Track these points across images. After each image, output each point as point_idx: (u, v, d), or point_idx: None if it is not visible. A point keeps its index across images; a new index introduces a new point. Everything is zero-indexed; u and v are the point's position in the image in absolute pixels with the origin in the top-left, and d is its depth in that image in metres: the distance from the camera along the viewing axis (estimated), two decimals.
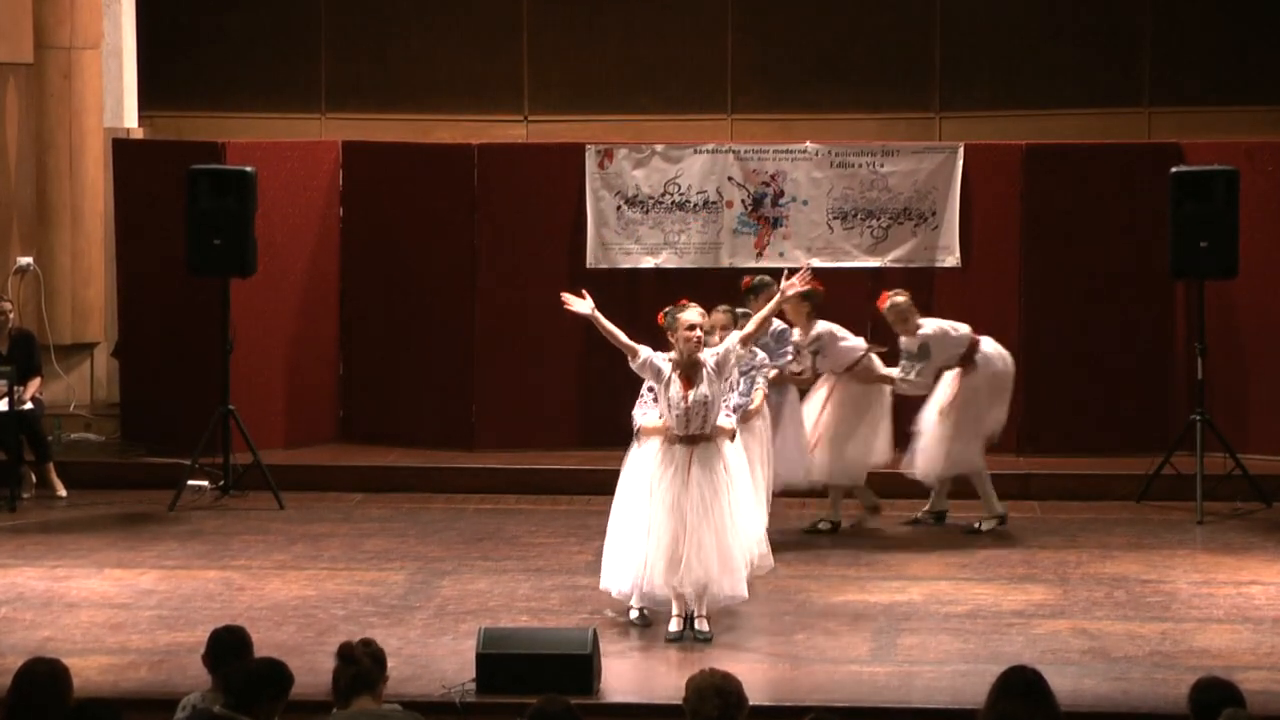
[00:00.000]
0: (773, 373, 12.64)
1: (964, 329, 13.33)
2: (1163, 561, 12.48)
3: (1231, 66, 16.47)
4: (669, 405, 10.94)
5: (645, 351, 11.01)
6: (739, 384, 11.96)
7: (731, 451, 11.02)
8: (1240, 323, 14.85)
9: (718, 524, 10.74)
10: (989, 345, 13.34)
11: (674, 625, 10.79)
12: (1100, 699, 9.67)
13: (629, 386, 15.56)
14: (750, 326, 11.17)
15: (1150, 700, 9.79)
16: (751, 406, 12.16)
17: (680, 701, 6.94)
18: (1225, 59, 16.51)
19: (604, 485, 14.59)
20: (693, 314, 11.07)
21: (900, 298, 13.35)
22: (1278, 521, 13.71)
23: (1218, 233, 13.93)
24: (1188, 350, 14.38)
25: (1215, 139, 15.32)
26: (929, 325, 13.27)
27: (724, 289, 15.44)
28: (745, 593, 10.87)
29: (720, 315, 12.21)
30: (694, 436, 10.88)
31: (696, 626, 10.79)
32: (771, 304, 11.33)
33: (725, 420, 11.07)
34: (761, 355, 12.38)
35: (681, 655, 10.40)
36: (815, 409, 13.32)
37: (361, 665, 7.50)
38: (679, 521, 10.73)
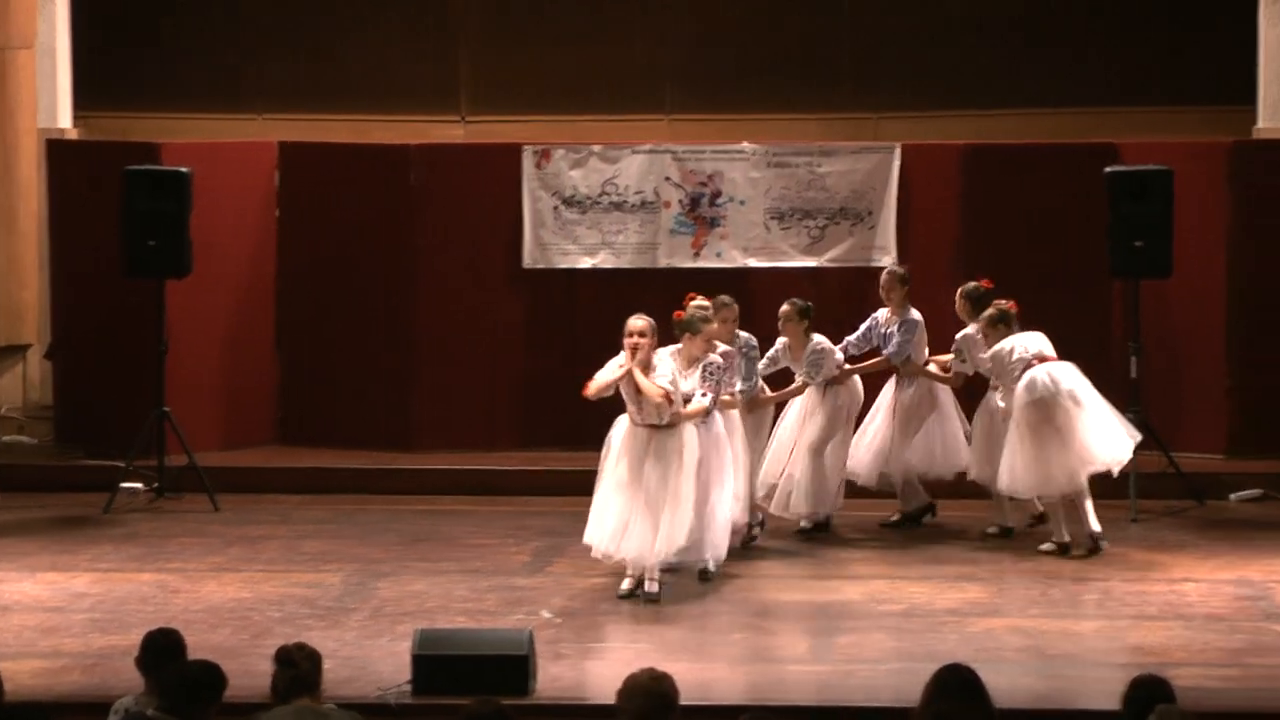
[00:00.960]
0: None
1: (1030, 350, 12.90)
2: (1097, 559, 12.53)
3: (1168, 67, 16.56)
4: (628, 397, 11.69)
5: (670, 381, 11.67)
6: (741, 368, 12.49)
7: (690, 436, 11.58)
8: (1175, 322, 14.94)
9: (669, 501, 11.46)
10: (1036, 370, 12.76)
11: (625, 584, 11.57)
12: (1035, 697, 9.70)
13: (567, 387, 15.58)
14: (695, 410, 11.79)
15: (1085, 698, 9.84)
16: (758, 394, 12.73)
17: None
18: (1160, 60, 16.60)
19: (543, 486, 14.69)
20: (632, 321, 11.70)
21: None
22: (1210, 519, 13.80)
23: (1153, 232, 14.02)
24: (1123, 349, 14.45)
25: (1151, 139, 15.40)
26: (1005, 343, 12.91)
27: (661, 289, 15.47)
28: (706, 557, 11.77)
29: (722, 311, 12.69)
30: (653, 425, 11.60)
31: (646, 588, 11.47)
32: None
33: (698, 401, 11.74)
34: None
35: (618, 655, 10.40)
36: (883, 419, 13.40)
37: (300, 668, 7.49)
38: (627, 496, 11.54)
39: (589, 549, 11.71)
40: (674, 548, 11.50)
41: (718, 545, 11.87)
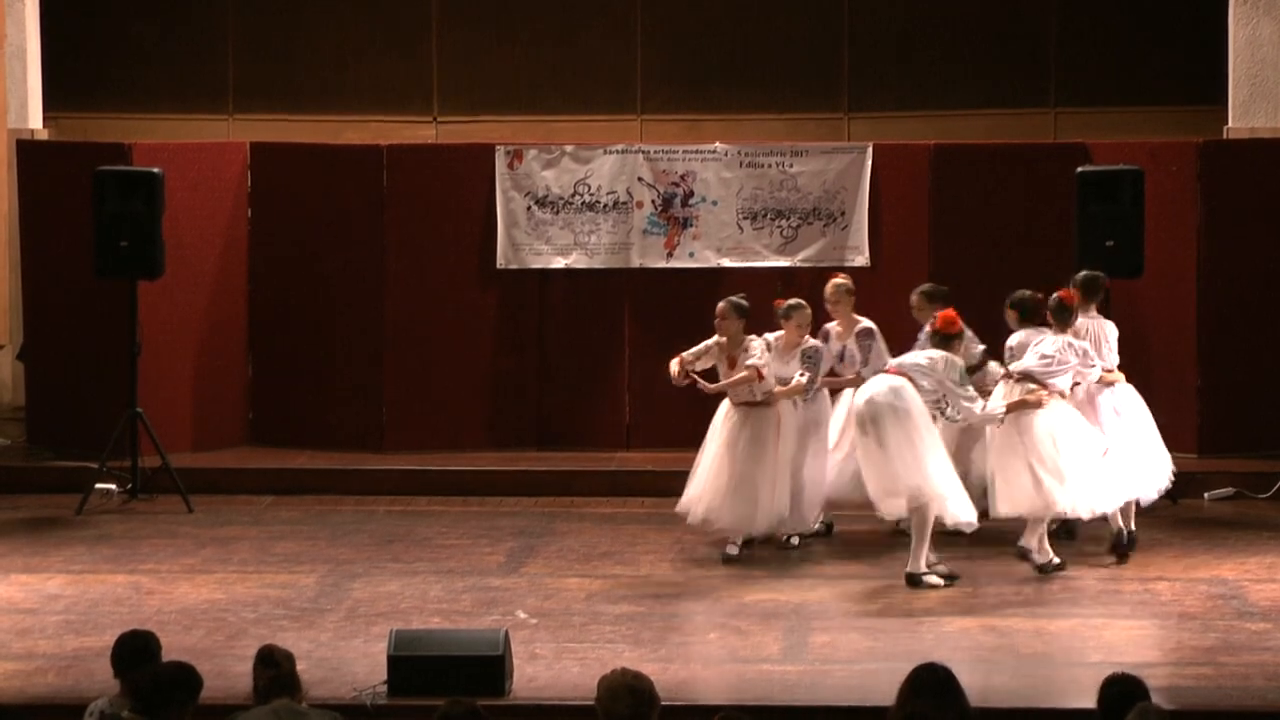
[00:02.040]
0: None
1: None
2: (1070, 558, 12.55)
3: (1136, 67, 16.62)
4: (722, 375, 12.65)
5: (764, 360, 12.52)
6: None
7: (785, 413, 12.51)
8: (1145, 322, 14.97)
9: (764, 474, 12.33)
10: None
11: (730, 550, 12.56)
12: (1010, 695, 9.72)
13: (539, 387, 15.60)
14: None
15: (1059, 696, 9.87)
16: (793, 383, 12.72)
17: (592, 702, 6.94)
18: (1130, 60, 16.65)
19: (516, 486, 14.69)
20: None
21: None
22: (1182, 518, 13.83)
23: (1123, 232, 14.06)
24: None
25: (1121, 139, 15.45)
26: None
27: (634, 290, 15.50)
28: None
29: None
30: (747, 402, 12.53)
31: (726, 550, 12.59)
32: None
33: (796, 380, 12.59)
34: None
35: (594, 656, 10.40)
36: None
37: (282, 668, 7.50)
38: (724, 469, 12.42)
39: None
40: (770, 521, 12.44)
41: (803, 520, 12.76)
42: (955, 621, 11.19)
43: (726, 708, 8.10)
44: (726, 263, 15.44)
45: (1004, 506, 12.13)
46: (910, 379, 11.93)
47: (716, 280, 15.31)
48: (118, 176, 14.43)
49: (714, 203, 15.44)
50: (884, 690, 7.39)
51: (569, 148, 15.52)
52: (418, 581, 12.10)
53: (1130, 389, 12.82)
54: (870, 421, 11.88)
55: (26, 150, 15.77)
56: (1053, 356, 12.20)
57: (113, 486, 14.32)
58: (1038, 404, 12.06)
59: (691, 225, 15.46)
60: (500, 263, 15.47)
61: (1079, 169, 14.44)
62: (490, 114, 16.66)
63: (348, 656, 10.39)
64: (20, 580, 12.16)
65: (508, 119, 16.60)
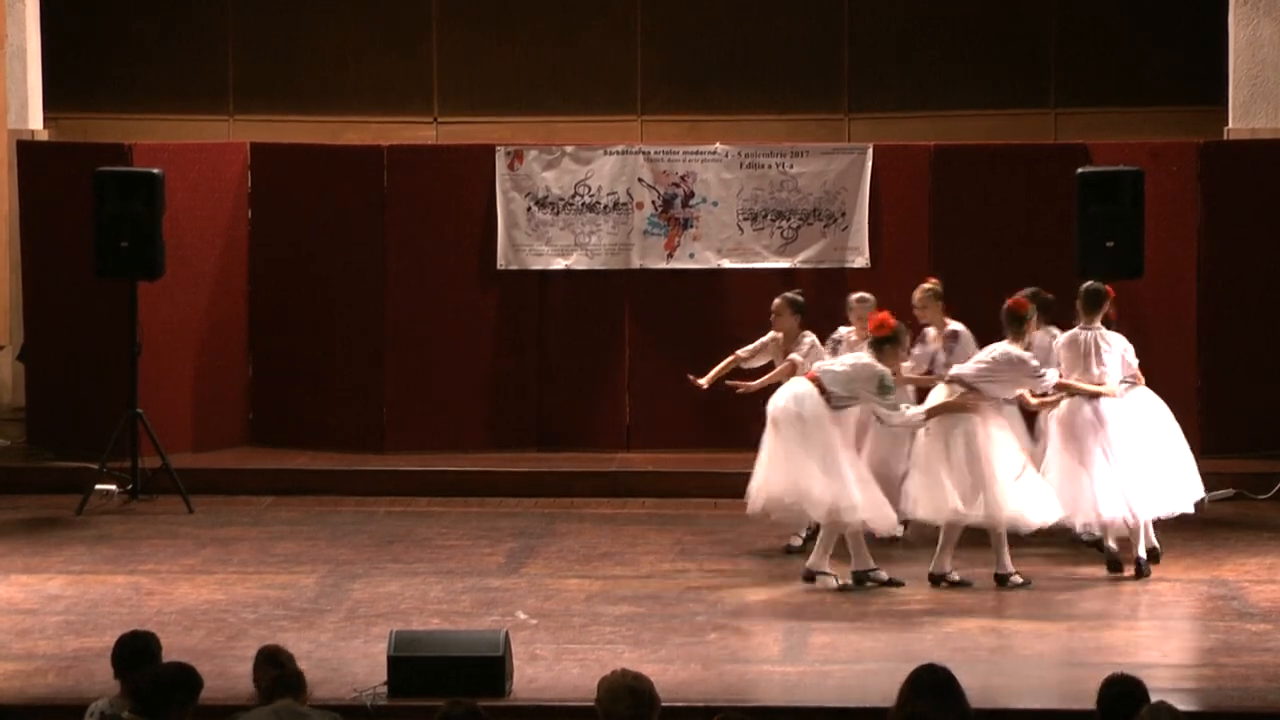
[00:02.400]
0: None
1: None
2: (1070, 559, 12.55)
3: (1136, 68, 16.63)
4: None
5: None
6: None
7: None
8: (1146, 322, 14.97)
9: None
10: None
11: (795, 540, 12.67)
12: (1010, 696, 9.72)
13: (539, 388, 15.60)
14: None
15: (1059, 697, 9.86)
16: None
17: (593, 703, 6.94)
18: (1130, 61, 16.66)
19: (515, 487, 14.69)
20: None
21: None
22: (1183, 519, 13.79)
23: (1124, 233, 14.06)
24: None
25: (1121, 140, 15.45)
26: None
27: (634, 290, 15.50)
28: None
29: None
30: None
31: (791, 541, 12.74)
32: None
33: None
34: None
35: (594, 656, 10.40)
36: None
37: (286, 668, 7.51)
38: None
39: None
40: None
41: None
42: (955, 622, 11.19)
43: (727, 708, 8.11)
44: (727, 264, 15.45)
45: (921, 511, 11.98)
46: (821, 385, 11.85)
47: (717, 281, 15.33)
48: (118, 177, 14.43)
49: (714, 203, 15.44)
50: (884, 691, 7.40)
51: (569, 148, 15.52)
52: (418, 582, 12.10)
53: (1150, 399, 12.54)
54: (773, 425, 11.91)
55: (27, 151, 15.77)
56: (988, 364, 11.93)
57: (113, 487, 14.33)
58: (962, 408, 11.86)
59: (692, 226, 15.46)
60: (500, 263, 15.47)
61: (1079, 170, 14.43)
62: (490, 114, 16.67)
63: (348, 657, 10.38)
64: (20, 581, 12.16)
65: (508, 120, 16.61)
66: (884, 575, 11.93)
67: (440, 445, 15.34)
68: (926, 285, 13.11)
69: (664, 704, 7.00)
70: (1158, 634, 11.00)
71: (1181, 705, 8.91)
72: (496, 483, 14.72)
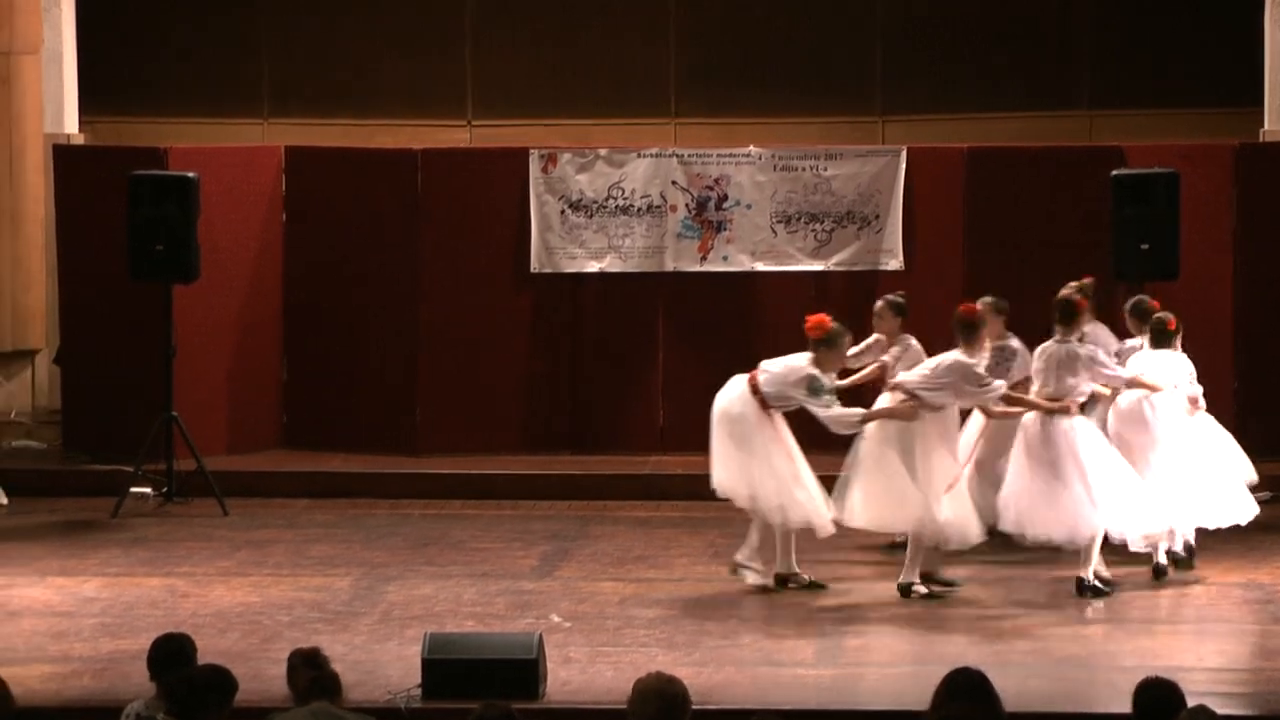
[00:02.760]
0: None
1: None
2: (1106, 562, 12.50)
3: (1171, 70, 16.57)
4: None
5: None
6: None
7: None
8: (1182, 325, 14.91)
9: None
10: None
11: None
12: (1044, 699, 9.70)
13: (573, 391, 15.60)
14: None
15: (1094, 700, 9.83)
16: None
17: (626, 705, 6.94)
18: (1164, 63, 16.60)
19: (549, 490, 14.70)
20: None
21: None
22: None
23: (1158, 235, 14.02)
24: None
25: (1156, 142, 15.40)
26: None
27: (668, 293, 15.50)
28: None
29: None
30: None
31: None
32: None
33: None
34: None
35: (627, 659, 10.40)
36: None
37: (324, 671, 7.52)
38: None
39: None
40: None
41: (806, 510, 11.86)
42: (990, 625, 11.17)
43: (760, 711, 8.11)
44: (760, 266, 15.44)
45: (858, 519, 11.88)
46: (756, 386, 11.84)
47: (750, 284, 15.32)
48: (153, 181, 14.47)
49: (748, 206, 15.43)
50: (919, 694, 7.38)
51: (603, 151, 15.53)
52: (452, 585, 12.11)
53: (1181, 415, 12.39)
54: (714, 423, 11.99)
55: (62, 155, 15.83)
56: (932, 372, 11.80)
57: (148, 490, 14.37)
58: (904, 416, 11.76)
59: (725, 229, 15.45)
60: (534, 266, 15.48)
61: (1114, 172, 14.39)
62: (524, 118, 16.67)
63: (382, 659, 10.40)
64: (57, 583, 12.20)
65: (542, 123, 16.61)
66: (805, 579, 11.95)
67: (474, 448, 15.36)
68: (985, 298, 12.78)
69: (697, 707, 6.99)
70: (1193, 637, 10.97)
71: (1219, 709, 8.90)
72: (530, 485, 14.73)
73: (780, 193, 15.41)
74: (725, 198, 15.43)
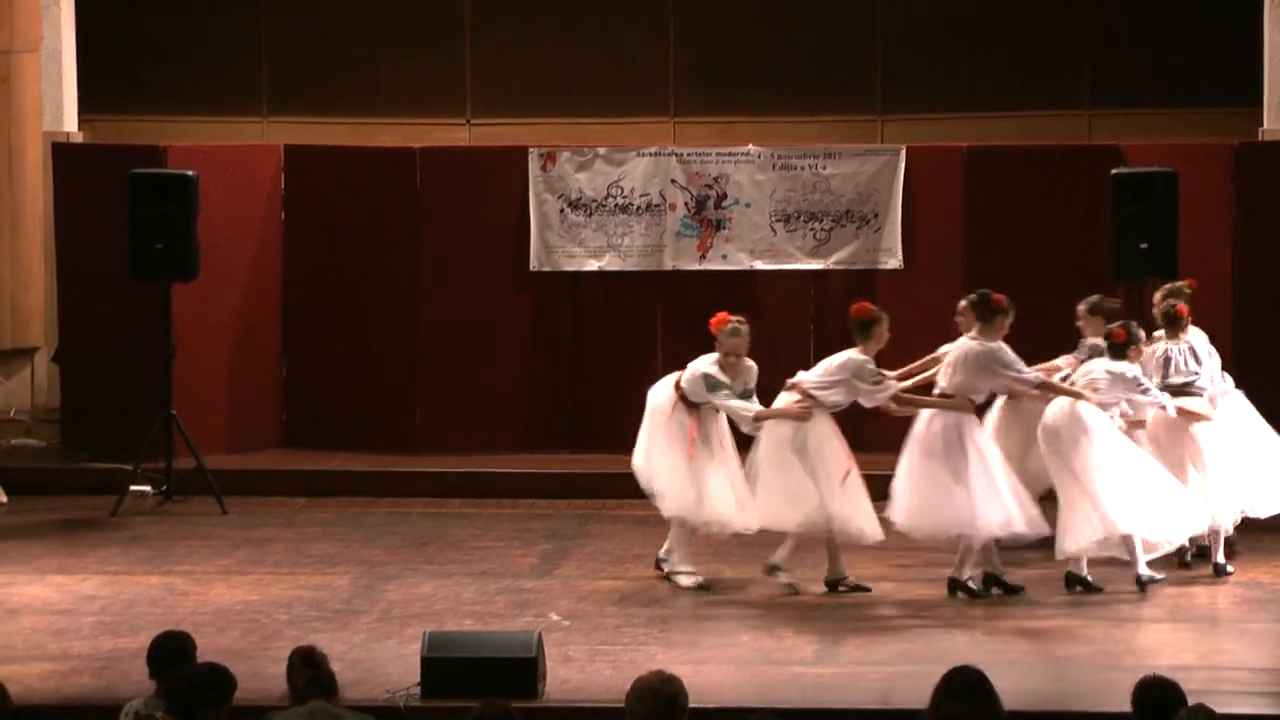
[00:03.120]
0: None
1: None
2: (1104, 561, 12.50)
3: (1170, 69, 16.56)
4: None
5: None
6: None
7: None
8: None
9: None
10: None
11: None
12: (1043, 699, 9.70)
13: (572, 389, 15.61)
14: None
15: (1092, 699, 9.83)
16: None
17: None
18: (1164, 62, 16.60)
19: (548, 489, 14.70)
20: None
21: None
22: None
23: (1157, 234, 14.02)
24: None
25: (1155, 141, 15.41)
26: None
27: (667, 292, 15.50)
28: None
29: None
30: None
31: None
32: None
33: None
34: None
35: (626, 658, 10.40)
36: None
37: (321, 669, 7.52)
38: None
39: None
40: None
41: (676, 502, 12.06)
42: (989, 624, 11.18)
43: (759, 710, 8.10)
44: (759, 265, 15.44)
45: (757, 520, 11.93)
46: (677, 383, 12.13)
47: (749, 282, 15.32)
48: (152, 179, 14.48)
49: (747, 205, 15.43)
50: (917, 693, 7.38)
51: (602, 150, 15.53)
52: (451, 583, 12.12)
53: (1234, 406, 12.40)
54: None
55: (62, 153, 15.83)
56: (825, 371, 11.87)
57: (147, 488, 14.37)
58: (797, 416, 11.82)
59: (724, 227, 15.46)
60: (533, 265, 15.49)
61: (1113, 171, 14.40)
62: (523, 116, 16.67)
63: (381, 658, 10.40)
64: (56, 581, 12.21)
65: (541, 121, 16.60)
66: (688, 580, 11.98)
67: (473, 447, 15.36)
68: (1090, 298, 12.72)
69: (697, 705, 7.00)
70: (1192, 636, 10.97)
71: (1219, 708, 8.90)
72: (530, 484, 14.73)
73: (779, 192, 15.42)
74: (724, 196, 15.44)
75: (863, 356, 11.83)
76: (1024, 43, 16.66)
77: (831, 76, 16.76)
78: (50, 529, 13.75)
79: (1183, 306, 12.56)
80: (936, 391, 11.89)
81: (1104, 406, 11.80)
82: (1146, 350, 12.33)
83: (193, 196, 14.37)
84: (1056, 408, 11.83)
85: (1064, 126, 16.45)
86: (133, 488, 14.25)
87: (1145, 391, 11.93)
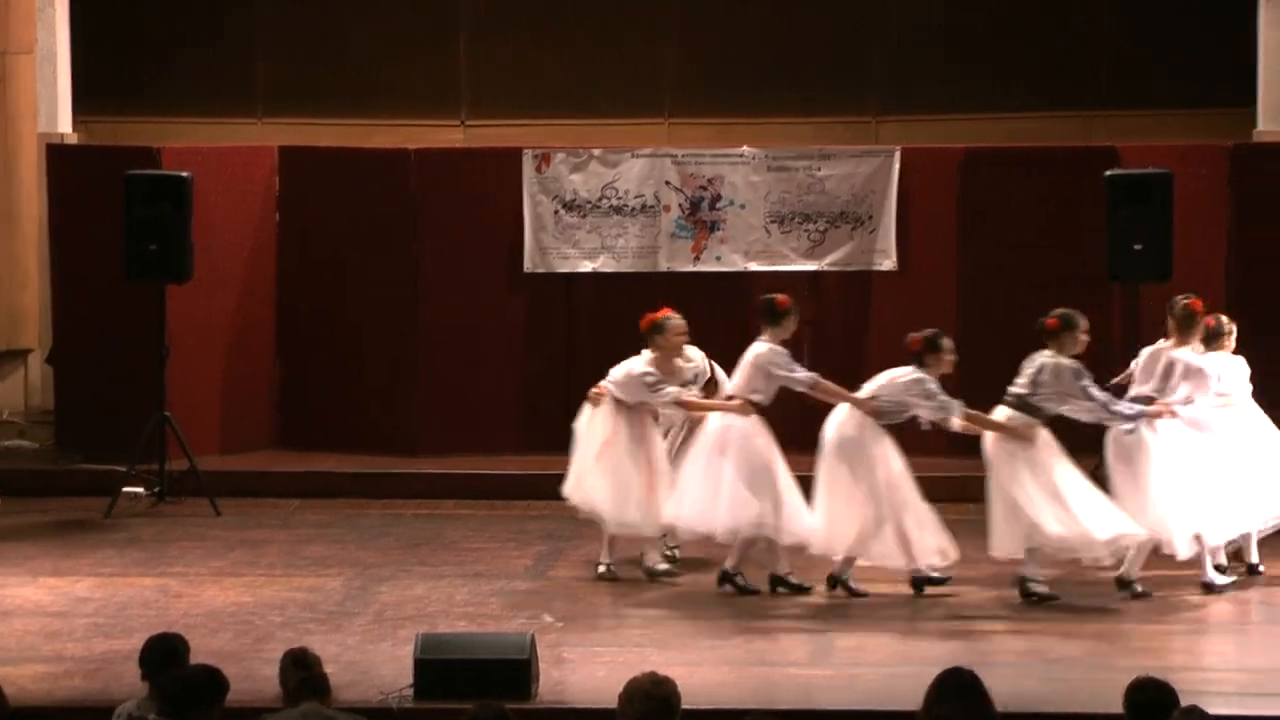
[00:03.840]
0: None
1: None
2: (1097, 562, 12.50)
3: (1165, 70, 16.57)
4: None
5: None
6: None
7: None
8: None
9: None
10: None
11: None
12: (1037, 700, 9.70)
13: (567, 391, 15.60)
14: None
15: (1086, 701, 9.82)
16: None
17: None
18: (1159, 63, 16.60)
19: (543, 491, 14.66)
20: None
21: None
22: None
23: (1152, 235, 14.04)
24: (1124, 353, 14.43)
25: (1150, 142, 15.41)
26: None
27: (661, 293, 15.47)
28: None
29: None
30: None
31: None
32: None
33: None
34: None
35: (620, 659, 10.39)
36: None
37: (313, 671, 7.52)
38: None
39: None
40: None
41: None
42: (983, 625, 11.18)
43: (754, 711, 8.11)
44: (754, 266, 15.44)
45: (686, 522, 11.99)
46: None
47: (744, 284, 15.31)
48: (147, 180, 14.48)
49: (741, 206, 15.43)
50: (911, 694, 7.38)
51: (597, 151, 15.53)
52: (445, 585, 12.11)
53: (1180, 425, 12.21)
54: None
55: (56, 154, 15.83)
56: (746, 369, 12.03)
57: (141, 490, 14.37)
58: (731, 412, 11.96)
59: (719, 229, 15.46)
60: (528, 266, 15.49)
61: (1108, 172, 14.41)
62: (518, 118, 16.67)
63: (375, 660, 10.40)
64: (49, 583, 12.20)
65: (536, 123, 16.61)
66: (604, 570, 12.16)
67: (468, 448, 15.36)
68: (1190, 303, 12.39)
69: (691, 707, 7.01)
70: (1185, 638, 10.97)
71: (1212, 709, 8.90)
72: (524, 485, 14.71)
73: (774, 193, 15.42)
74: (719, 198, 15.44)
75: (774, 346, 11.97)
76: (1020, 45, 16.67)
77: (827, 78, 16.76)
78: (44, 530, 13.75)
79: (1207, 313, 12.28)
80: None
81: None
82: (1146, 352, 12.27)
83: (187, 198, 14.37)
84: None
85: (1059, 128, 16.45)
86: (126, 489, 14.24)
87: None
